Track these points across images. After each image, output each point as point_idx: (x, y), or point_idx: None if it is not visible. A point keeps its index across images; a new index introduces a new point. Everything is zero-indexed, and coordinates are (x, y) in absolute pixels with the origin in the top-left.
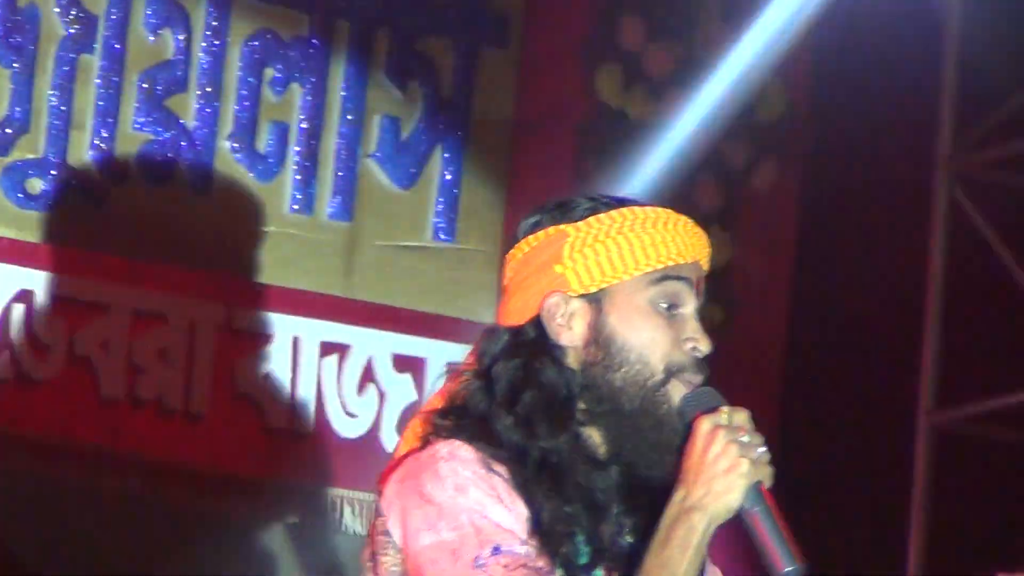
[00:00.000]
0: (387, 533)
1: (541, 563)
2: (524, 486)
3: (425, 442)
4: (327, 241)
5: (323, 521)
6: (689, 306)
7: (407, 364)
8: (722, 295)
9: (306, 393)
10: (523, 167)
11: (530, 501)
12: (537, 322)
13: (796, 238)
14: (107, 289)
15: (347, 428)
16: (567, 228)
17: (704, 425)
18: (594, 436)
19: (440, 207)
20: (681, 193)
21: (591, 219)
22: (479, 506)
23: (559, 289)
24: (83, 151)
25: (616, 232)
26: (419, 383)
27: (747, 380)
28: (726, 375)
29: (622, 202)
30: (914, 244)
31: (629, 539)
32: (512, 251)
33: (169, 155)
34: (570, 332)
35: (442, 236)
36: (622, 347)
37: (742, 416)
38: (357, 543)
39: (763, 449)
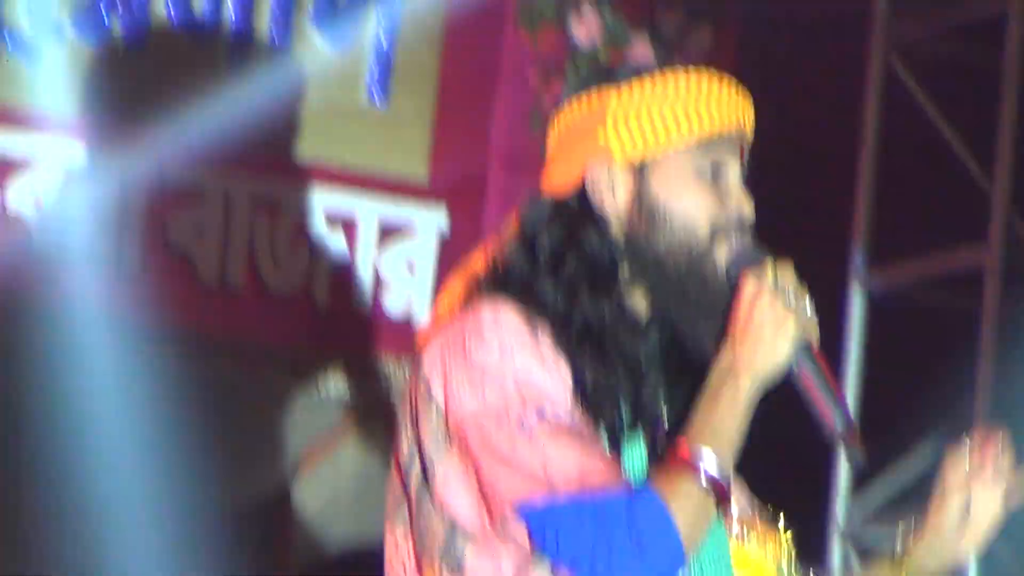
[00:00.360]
0: (429, 395)
1: (584, 427)
2: (567, 351)
3: (468, 304)
4: None
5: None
6: (734, 172)
7: (339, 221)
8: None
9: (238, 248)
10: (456, 29)
11: (573, 366)
12: (580, 190)
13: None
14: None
15: (279, 284)
16: (610, 93)
17: (749, 285)
18: (638, 303)
19: (375, 69)
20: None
21: (635, 83)
22: (524, 369)
23: (603, 156)
24: None
25: (659, 97)
26: (350, 240)
27: None
28: None
29: (667, 66)
30: (848, 113)
31: (672, 405)
32: (556, 116)
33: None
34: (614, 200)
35: (376, 96)
36: (666, 215)
37: (788, 274)
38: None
39: (809, 306)
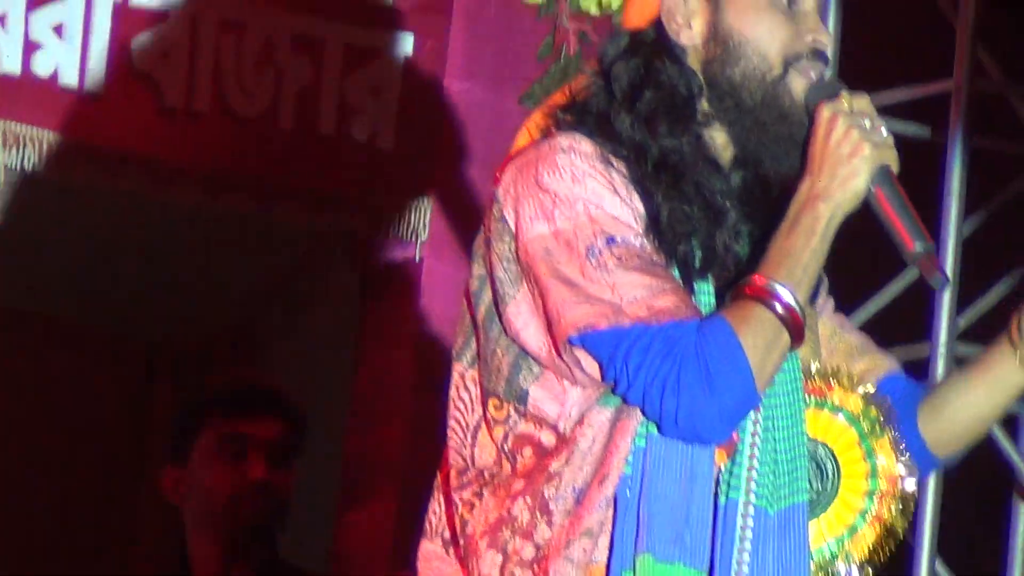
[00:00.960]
0: (502, 219)
1: (655, 257)
2: (642, 183)
3: (546, 134)
4: None
5: (217, 201)
6: (809, 2)
7: (305, 45)
8: None
9: (205, 73)
10: None
11: (647, 199)
12: (657, 23)
13: None
14: None
15: (246, 107)
16: None
17: (824, 112)
18: (717, 138)
19: None
20: None
21: None
22: (595, 197)
23: None
24: None
25: None
26: (316, 64)
27: None
28: None
29: None
30: None
31: (745, 248)
32: None
33: None
34: (689, 31)
35: None
36: (739, 41)
37: (864, 101)
38: (249, 224)
39: (886, 132)
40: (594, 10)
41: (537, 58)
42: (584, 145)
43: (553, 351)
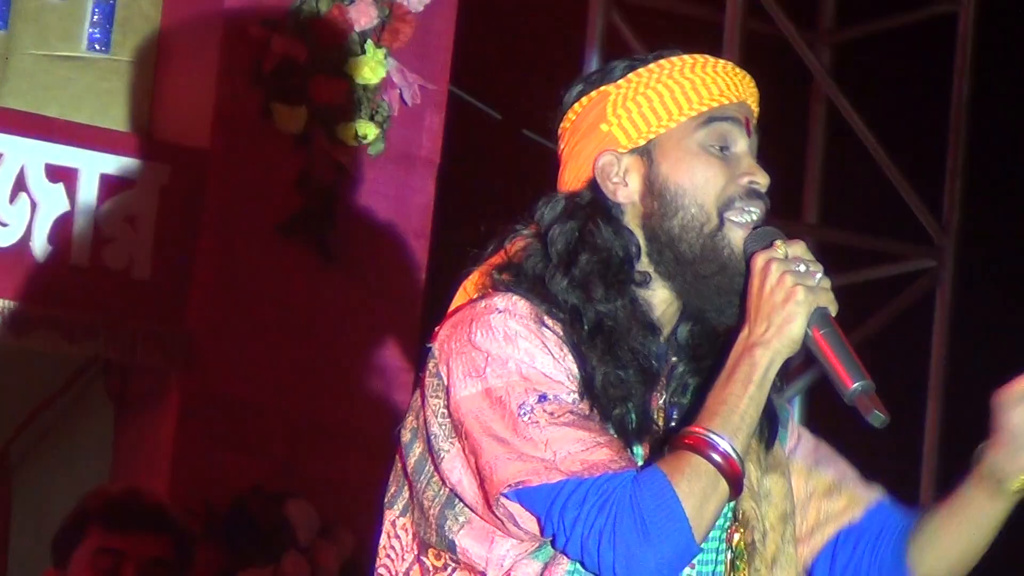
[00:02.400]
0: (437, 375)
1: (588, 413)
2: (576, 347)
3: (483, 294)
4: None
5: None
6: (741, 144)
7: (60, 174)
8: (377, 112)
9: None
10: None
11: (582, 362)
12: (592, 184)
13: (452, 56)
14: None
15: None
16: (608, 88)
17: (758, 261)
18: (657, 295)
19: (96, 18)
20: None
21: (630, 75)
22: (527, 356)
23: (609, 147)
24: None
25: (656, 81)
26: (71, 193)
27: (404, 191)
28: (383, 183)
29: (659, 55)
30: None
31: (691, 400)
32: (561, 125)
33: None
34: (626, 188)
35: (97, 47)
36: (676, 192)
37: (798, 247)
38: (3, 353)
39: (821, 276)
40: (351, 141)
41: (293, 188)
42: (519, 306)
43: (485, 507)
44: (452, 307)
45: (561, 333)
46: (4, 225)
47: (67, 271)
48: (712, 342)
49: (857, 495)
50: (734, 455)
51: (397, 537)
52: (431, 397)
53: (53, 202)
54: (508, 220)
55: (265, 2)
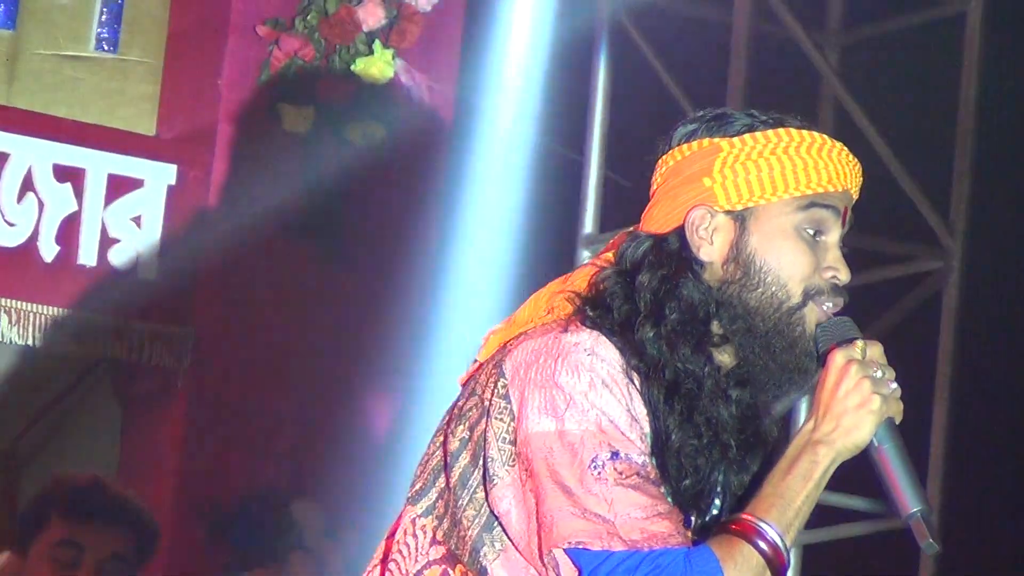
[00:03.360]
0: (506, 397)
1: (654, 479)
2: (653, 405)
3: (568, 323)
4: None
5: None
6: (834, 234)
7: (67, 174)
8: (384, 112)
9: None
10: None
11: (656, 423)
12: (680, 233)
13: (461, 55)
14: None
15: (6, 237)
16: (721, 142)
17: (838, 358)
18: (724, 360)
19: (104, 17)
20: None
21: (747, 136)
22: (608, 408)
23: (705, 202)
24: None
25: (770, 152)
26: (79, 193)
27: (408, 189)
28: (388, 187)
29: (780, 122)
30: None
31: (736, 478)
32: (664, 157)
33: None
34: (710, 247)
35: (105, 47)
36: (761, 268)
37: (877, 350)
38: (14, 352)
39: (895, 385)
40: (359, 141)
41: (300, 188)
42: (606, 350)
43: (536, 547)
44: (523, 318)
45: (639, 386)
46: (11, 225)
47: (74, 271)
48: (757, 417)
49: None
50: (783, 550)
51: (414, 536)
52: (495, 418)
53: (60, 202)
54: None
55: (273, 2)
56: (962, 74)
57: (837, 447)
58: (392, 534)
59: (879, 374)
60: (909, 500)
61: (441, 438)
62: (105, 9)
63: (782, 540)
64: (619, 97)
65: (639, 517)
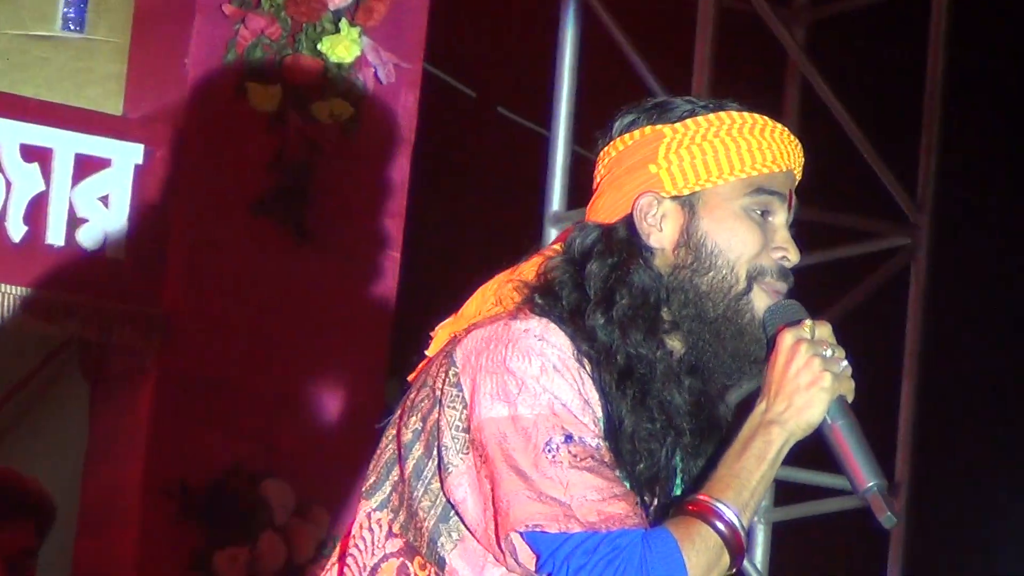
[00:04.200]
0: (458, 385)
1: (608, 459)
2: (604, 391)
3: (517, 312)
4: None
5: None
6: (781, 216)
7: (34, 153)
8: (351, 91)
9: None
10: None
11: (608, 408)
12: (628, 221)
13: (427, 34)
14: None
15: None
16: (664, 129)
17: (787, 339)
18: (675, 346)
19: None
20: None
21: (689, 121)
22: (560, 392)
23: (652, 189)
24: None
25: (713, 135)
26: (46, 173)
27: (379, 169)
28: (358, 162)
29: (721, 106)
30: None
31: (689, 461)
32: (606, 148)
33: None
34: (659, 234)
35: (71, 26)
36: (712, 250)
37: (825, 330)
38: None
39: (845, 363)
40: (325, 119)
41: (268, 167)
42: (556, 336)
43: (492, 533)
44: (470, 311)
45: (590, 372)
46: None
47: (42, 251)
48: (709, 402)
49: None
50: (741, 530)
51: (370, 530)
52: (447, 407)
53: (28, 182)
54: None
55: None
56: (928, 50)
57: (790, 427)
58: (348, 533)
59: (829, 353)
60: (865, 475)
61: (393, 431)
62: None
63: (739, 520)
64: (585, 71)
65: (595, 499)
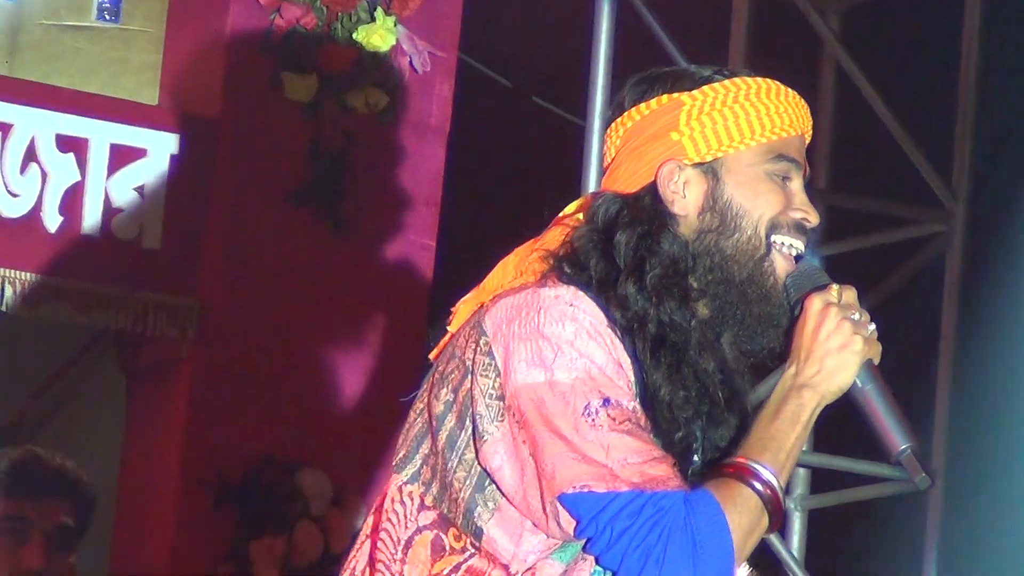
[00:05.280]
0: (490, 354)
1: (644, 422)
2: (637, 360)
3: (545, 280)
4: None
5: None
6: (797, 181)
7: (70, 144)
8: (387, 80)
9: None
10: None
11: (642, 376)
12: (652, 189)
13: (462, 23)
14: None
15: (9, 207)
16: (682, 96)
17: (816, 303)
18: (703, 312)
19: None
20: None
21: (706, 88)
22: (595, 355)
23: (675, 157)
24: None
25: (732, 100)
26: (82, 163)
27: (414, 159)
28: (393, 152)
29: (733, 72)
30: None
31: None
32: (620, 119)
33: None
34: (683, 200)
35: (107, 16)
36: (738, 212)
37: (851, 294)
38: (17, 324)
39: (873, 327)
40: (361, 109)
41: (304, 156)
42: (586, 303)
43: (532, 499)
44: (492, 284)
45: (621, 342)
46: (15, 196)
47: (78, 242)
48: (733, 370)
49: None
50: (779, 491)
51: (402, 503)
52: (480, 376)
53: (64, 172)
54: (552, 203)
55: None
56: (963, 37)
57: (821, 390)
58: (379, 507)
59: (857, 316)
60: (898, 438)
61: (421, 404)
62: None
63: (777, 481)
64: (620, 60)
65: (636, 462)
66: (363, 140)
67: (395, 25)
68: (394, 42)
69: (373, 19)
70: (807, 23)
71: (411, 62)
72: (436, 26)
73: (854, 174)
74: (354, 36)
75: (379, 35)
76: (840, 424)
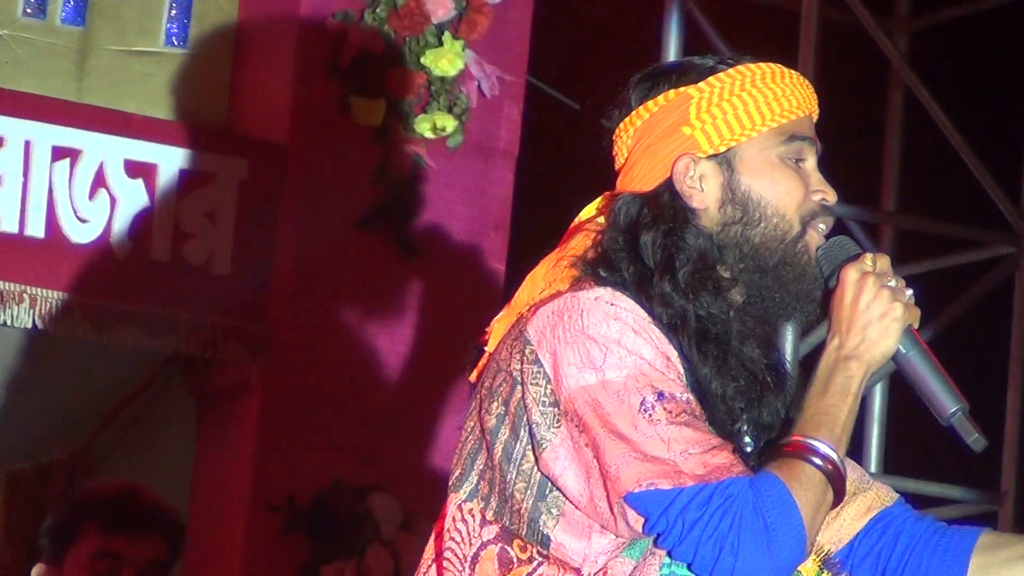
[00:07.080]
0: (537, 362)
1: (699, 412)
2: (684, 356)
3: (580, 283)
4: (60, 45)
5: (56, 327)
6: (811, 160)
7: (138, 169)
8: (455, 104)
9: (38, 198)
10: None
11: (693, 372)
12: (669, 186)
13: (530, 47)
14: None
15: (78, 233)
16: (689, 90)
17: (851, 273)
18: (736, 300)
19: (173, 12)
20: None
21: (711, 79)
22: (643, 350)
23: (688, 151)
24: None
25: (739, 89)
26: (150, 188)
27: (482, 183)
28: (461, 176)
29: (736, 60)
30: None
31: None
32: (628, 118)
33: None
34: (701, 194)
35: (175, 42)
36: (759, 202)
37: (885, 262)
38: (87, 350)
39: (911, 292)
40: (429, 133)
41: (372, 181)
42: (626, 302)
43: (599, 501)
44: (523, 299)
45: (665, 336)
46: (84, 221)
47: (147, 267)
48: (772, 350)
49: (874, 496)
50: (839, 464)
51: (464, 521)
52: (530, 384)
53: (132, 198)
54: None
55: None
56: None
57: (866, 359)
58: (439, 532)
59: (893, 283)
60: (947, 401)
61: (471, 422)
62: (174, 4)
63: (836, 454)
64: None
65: (698, 452)
66: (431, 164)
67: (463, 49)
68: (462, 66)
69: (441, 43)
70: (875, 45)
71: (479, 86)
72: (504, 49)
73: (922, 196)
74: (422, 60)
75: (447, 59)
76: (910, 447)
